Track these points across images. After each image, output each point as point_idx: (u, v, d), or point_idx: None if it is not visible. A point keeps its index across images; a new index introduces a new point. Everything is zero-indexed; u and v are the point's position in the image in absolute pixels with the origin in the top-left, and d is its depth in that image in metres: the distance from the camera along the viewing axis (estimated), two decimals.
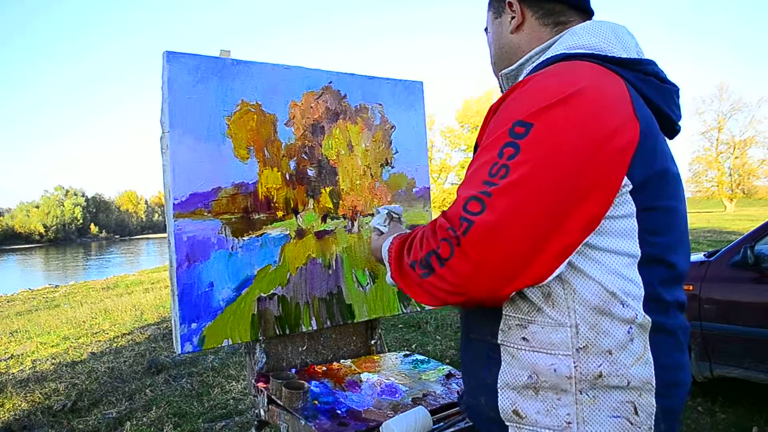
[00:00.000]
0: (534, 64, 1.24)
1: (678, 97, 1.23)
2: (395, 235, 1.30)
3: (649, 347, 1.07)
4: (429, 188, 2.47)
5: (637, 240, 1.06)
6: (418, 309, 2.38)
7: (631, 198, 1.03)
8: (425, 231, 1.10)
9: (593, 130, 0.99)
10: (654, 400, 1.08)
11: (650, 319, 1.06)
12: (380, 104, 2.31)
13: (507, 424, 1.14)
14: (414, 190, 2.40)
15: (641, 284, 1.06)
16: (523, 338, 1.10)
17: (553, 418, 1.08)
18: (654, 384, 1.07)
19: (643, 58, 1.18)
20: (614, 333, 1.05)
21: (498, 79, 1.41)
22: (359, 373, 2.09)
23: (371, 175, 2.27)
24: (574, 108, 1.00)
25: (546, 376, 1.08)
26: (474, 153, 1.19)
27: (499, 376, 1.15)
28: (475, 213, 0.98)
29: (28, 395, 5.17)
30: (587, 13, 1.31)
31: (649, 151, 1.05)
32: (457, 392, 1.94)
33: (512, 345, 1.12)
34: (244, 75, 2.01)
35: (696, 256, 4.66)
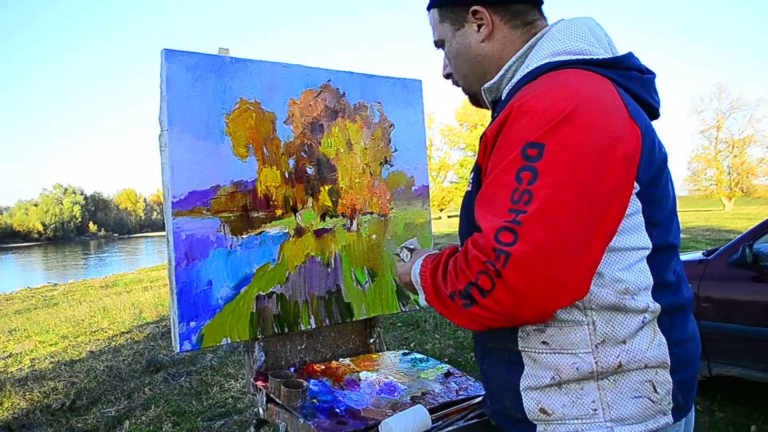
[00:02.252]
0: (518, 75, 1.22)
1: (655, 83, 1.26)
2: (423, 256, 1.28)
3: (659, 330, 1.13)
4: (428, 186, 2.47)
5: (646, 233, 1.10)
6: (417, 308, 2.38)
7: (637, 198, 1.07)
8: (458, 261, 1.08)
9: (601, 142, 1.01)
10: (669, 376, 1.13)
11: (659, 306, 1.12)
12: (379, 102, 2.31)
13: (535, 423, 1.17)
14: (413, 188, 2.40)
15: (650, 275, 1.11)
16: (543, 342, 1.13)
17: (579, 408, 1.12)
18: (669, 362, 1.13)
19: (623, 54, 1.20)
20: (628, 324, 1.10)
21: (469, 94, 1.40)
22: (358, 372, 2.09)
23: (370, 173, 2.27)
24: (579, 123, 1.01)
25: (569, 375, 1.12)
26: (475, 173, 1.19)
27: (522, 380, 1.18)
28: (509, 244, 0.98)
29: (27, 394, 5.17)
30: (540, 3, 1.31)
31: (648, 151, 1.08)
32: (456, 391, 1.94)
33: (533, 350, 1.15)
34: (242, 73, 2.00)
35: (694, 255, 4.66)
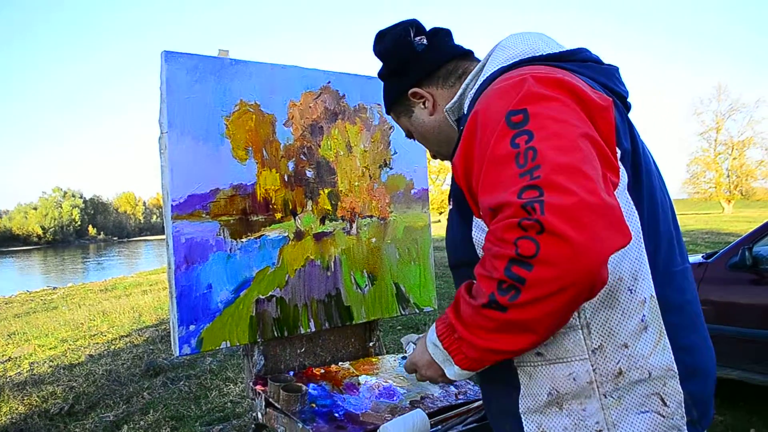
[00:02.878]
0: (475, 89, 1.23)
1: (620, 74, 1.24)
2: (432, 326, 1.12)
3: (665, 331, 1.05)
4: (427, 190, 2.46)
5: (636, 212, 1.06)
6: (417, 311, 2.37)
7: (622, 165, 1.04)
8: (480, 266, 0.96)
9: (575, 92, 1.00)
10: (680, 386, 1.05)
11: (660, 300, 1.05)
12: (379, 104, 2.30)
13: None
14: (412, 191, 2.39)
15: (646, 261, 1.05)
16: (537, 353, 1.07)
17: (583, 430, 1.05)
18: (676, 369, 1.05)
19: (574, 48, 1.21)
20: (627, 324, 1.03)
21: (435, 155, 1.49)
22: (357, 376, 2.08)
23: (370, 176, 2.26)
24: (548, 82, 1.00)
25: (566, 388, 1.05)
26: (454, 193, 1.16)
27: (520, 402, 1.12)
28: (537, 197, 0.87)
29: (26, 398, 5.15)
30: (471, 53, 1.40)
31: (622, 121, 1.09)
32: (455, 395, 1.93)
33: (528, 363, 1.09)
34: (242, 75, 2.00)
35: (694, 258, 4.65)
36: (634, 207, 1.06)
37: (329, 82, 2.19)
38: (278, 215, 2.05)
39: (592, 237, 0.85)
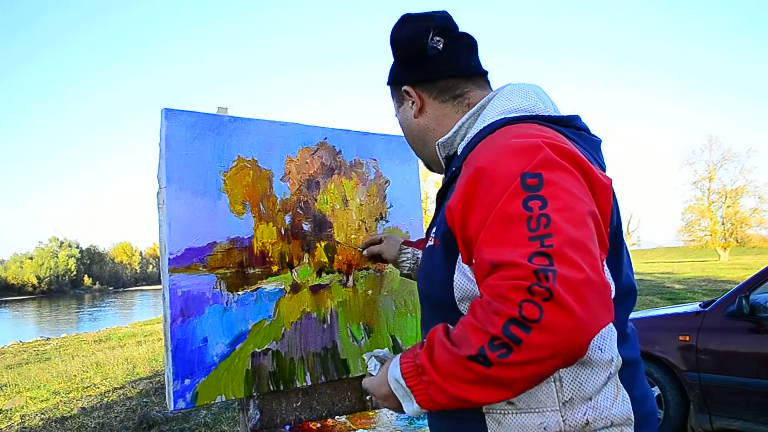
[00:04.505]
0: (472, 132, 1.27)
1: (601, 147, 1.30)
2: (396, 357, 1.14)
3: (621, 385, 1.12)
4: None
5: (613, 283, 1.11)
6: None
7: (607, 240, 1.09)
8: (478, 312, 0.96)
9: (582, 167, 1.05)
10: None
11: (621, 359, 1.12)
12: (375, 159, 2.34)
13: None
14: None
15: (613, 326, 1.12)
16: (509, 402, 1.09)
17: None
18: (633, 418, 1.11)
19: (571, 114, 1.26)
20: (595, 379, 1.08)
21: (421, 159, 1.51)
22: (354, 430, 2.06)
23: (366, 229, 2.28)
24: (562, 153, 1.04)
25: None
26: (442, 232, 1.17)
27: None
28: (548, 265, 0.90)
29: None
30: (480, 75, 1.40)
31: (615, 200, 1.14)
32: None
33: (498, 411, 1.11)
34: (240, 131, 2.04)
35: (692, 306, 4.66)
36: (612, 278, 1.12)
37: (326, 138, 2.23)
38: (275, 268, 2.06)
39: (591, 314, 0.89)
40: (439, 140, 1.32)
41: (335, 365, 2.15)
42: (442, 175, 1.41)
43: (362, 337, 2.22)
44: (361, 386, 2.31)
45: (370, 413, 2.25)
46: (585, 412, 1.07)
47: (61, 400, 7.50)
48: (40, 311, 49.20)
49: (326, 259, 2.18)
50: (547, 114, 1.21)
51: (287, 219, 2.10)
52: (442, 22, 1.36)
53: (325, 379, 2.13)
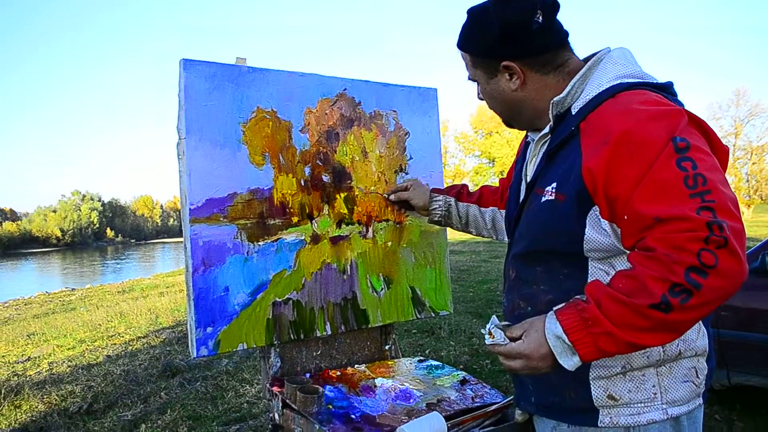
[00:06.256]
0: (585, 92, 1.33)
1: None
2: (546, 316, 1.18)
3: (702, 323, 1.32)
4: None
5: None
6: (432, 315, 2.38)
7: None
8: (656, 259, 1.06)
9: (709, 134, 1.23)
10: (705, 363, 1.34)
11: None
12: (395, 111, 2.32)
13: (599, 409, 1.29)
14: None
15: None
16: None
17: (642, 393, 1.27)
18: (707, 350, 1.34)
19: (668, 81, 1.35)
20: None
21: (504, 122, 1.56)
22: (373, 378, 2.10)
23: (385, 181, 2.28)
24: (697, 120, 1.21)
25: (639, 363, 1.27)
26: (574, 188, 1.24)
27: (591, 371, 1.29)
28: (715, 218, 1.03)
29: (45, 397, 5.22)
30: (566, 42, 1.43)
31: None
32: (472, 398, 1.94)
33: None
34: (259, 82, 2.02)
35: None
36: None
37: (345, 89, 2.21)
38: (295, 219, 2.07)
39: (745, 258, 1.04)
40: (554, 99, 1.35)
41: (355, 315, 2.18)
42: (526, 132, 1.56)
43: (382, 288, 2.24)
44: (379, 336, 2.34)
45: (389, 362, 2.28)
46: (678, 344, 1.27)
47: (87, 348, 7.71)
48: (65, 263, 50.21)
49: (346, 211, 2.18)
50: (654, 81, 1.31)
51: (307, 170, 2.10)
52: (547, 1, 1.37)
53: (345, 329, 2.16)
